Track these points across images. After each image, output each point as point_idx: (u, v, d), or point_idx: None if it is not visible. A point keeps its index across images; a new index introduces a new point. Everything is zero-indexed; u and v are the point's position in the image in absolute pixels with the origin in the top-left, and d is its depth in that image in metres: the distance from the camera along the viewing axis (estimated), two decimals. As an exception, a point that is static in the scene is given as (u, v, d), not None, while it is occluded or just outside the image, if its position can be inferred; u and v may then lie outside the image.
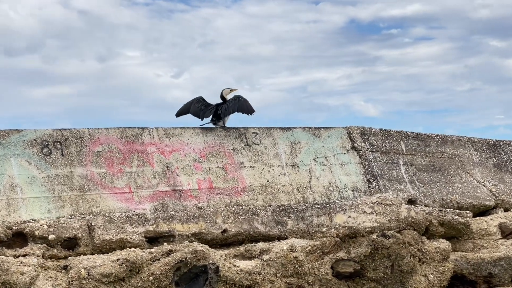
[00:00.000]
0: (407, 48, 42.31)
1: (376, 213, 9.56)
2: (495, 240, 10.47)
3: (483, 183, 11.07)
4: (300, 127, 10.31)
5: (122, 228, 8.68)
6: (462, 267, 9.86)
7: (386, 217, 9.59)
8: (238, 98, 9.81)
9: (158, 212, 9.01)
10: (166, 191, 9.31)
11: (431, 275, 9.58)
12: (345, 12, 41.65)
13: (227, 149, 9.72)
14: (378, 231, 9.41)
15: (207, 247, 8.67)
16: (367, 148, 10.50)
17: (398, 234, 9.28)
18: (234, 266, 8.67)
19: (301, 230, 9.31)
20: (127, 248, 8.54)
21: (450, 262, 9.79)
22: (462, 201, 10.68)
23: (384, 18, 41.92)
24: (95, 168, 9.06)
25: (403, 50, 42.14)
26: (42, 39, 40.12)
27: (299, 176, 10.03)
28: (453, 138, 11.41)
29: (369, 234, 9.39)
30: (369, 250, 9.12)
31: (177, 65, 42.72)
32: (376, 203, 9.63)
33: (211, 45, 42.35)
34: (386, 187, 10.33)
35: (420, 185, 10.56)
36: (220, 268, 8.51)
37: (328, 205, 9.57)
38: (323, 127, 10.48)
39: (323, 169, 10.18)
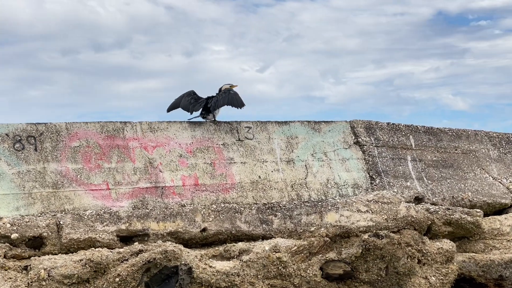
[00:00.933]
0: (497, 40, 39.61)
1: (372, 212, 8.72)
2: (508, 240, 9.46)
3: (499, 180, 9.84)
4: (299, 121, 9.36)
5: (92, 226, 7.99)
6: (470, 269, 8.87)
7: (383, 216, 8.73)
8: (228, 91, 8.98)
9: (132, 210, 8.27)
10: (147, 188, 8.46)
11: (432, 277, 8.64)
12: (433, 4, 39.52)
13: (217, 144, 8.78)
14: (374, 231, 8.55)
15: (181, 247, 7.94)
16: (372, 143, 9.41)
17: (392, 234, 8.43)
18: (210, 267, 7.92)
19: (288, 229, 8.49)
20: (93, 248, 7.90)
21: (455, 263, 8.82)
22: (475, 199, 9.51)
23: (473, 9, 39.61)
24: (70, 164, 8.30)
25: (493, 42, 39.47)
26: (130, 35, 39.81)
27: (294, 172, 9.02)
28: (469, 133, 10.20)
29: (364, 233, 8.56)
30: (360, 250, 8.30)
31: (263, 59, 41.29)
32: (372, 201, 8.80)
33: (296, 39, 40.82)
34: (391, 184, 9.21)
35: (429, 182, 9.40)
36: (193, 269, 7.78)
37: (319, 203, 8.76)
38: (324, 121, 9.48)
39: (322, 165, 9.13)
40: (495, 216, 9.77)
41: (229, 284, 7.97)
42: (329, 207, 8.68)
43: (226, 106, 9.18)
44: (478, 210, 9.34)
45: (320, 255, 8.36)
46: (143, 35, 40.72)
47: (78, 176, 8.41)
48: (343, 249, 8.37)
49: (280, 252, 8.07)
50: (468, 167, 10.04)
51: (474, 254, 9.28)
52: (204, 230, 8.24)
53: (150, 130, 8.82)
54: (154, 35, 40.32)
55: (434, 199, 9.48)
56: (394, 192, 9.36)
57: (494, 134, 10.61)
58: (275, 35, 41.49)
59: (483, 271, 9.07)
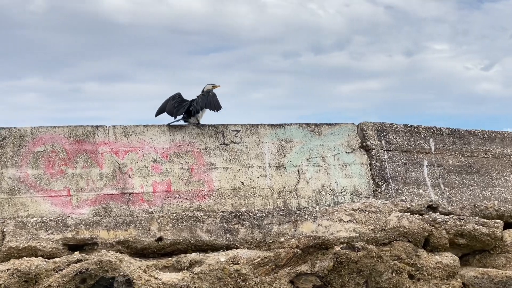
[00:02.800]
0: None
1: (356, 222, 7.25)
2: None
3: None
4: (296, 124, 7.86)
5: (35, 234, 7.06)
6: (483, 285, 7.32)
7: (369, 226, 7.24)
8: (208, 92, 7.69)
9: (81, 218, 6.94)
10: (112, 194, 7.21)
11: None
12: None
13: (197, 149, 7.40)
14: (358, 242, 7.08)
15: (123, 257, 6.88)
16: (382, 147, 7.67)
17: (370, 246, 6.98)
18: (156, 278, 6.76)
19: (256, 239, 7.17)
20: (24, 258, 6.89)
21: (460, 279, 7.25)
22: (502, 208, 7.68)
23: None
24: (31, 169, 7.29)
25: None
26: (349, 36, 38.50)
27: (284, 178, 7.44)
28: (505, 135, 8.21)
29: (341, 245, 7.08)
30: (332, 263, 6.88)
31: (488, 57, 38.05)
32: (358, 210, 7.33)
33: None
34: (399, 191, 7.44)
35: (447, 189, 7.55)
36: (134, 281, 6.66)
37: (295, 212, 7.36)
38: (326, 124, 7.90)
39: (317, 170, 7.50)
40: None
41: None
42: (306, 216, 7.29)
43: (205, 109, 7.76)
44: (497, 220, 7.60)
45: (289, 268, 7.00)
46: (362, 36, 38.82)
47: (38, 182, 7.37)
48: (317, 262, 6.72)
49: (239, 264, 6.81)
50: (498, 172, 7.97)
51: (488, 269, 7.44)
52: (160, 239, 7.11)
53: (124, 134, 7.60)
54: (374, 35, 38.41)
55: (450, 208, 7.60)
56: (402, 200, 7.44)
57: (535, 137, 8.38)
58: (501, 31, 37.92)
59: None
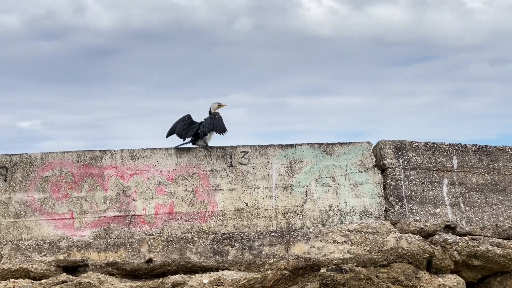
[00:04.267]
0: None
1: (351, 243, 6.73)
2: None
3: None
4: (307, 144, 7.33)
5: (29, 256, 7.01)
6: None
7: (365, 248, 6.68)
8: (214, 116, 7.30)
9: (72, 240, 6.61)
10: (114, 216, 7.00)
11: None
12: None
13: (203, 171, 7.02)
14: (354, 264, 6.52)
15: (107, 278, 6.68)
16: (399, 165, 7.00)
17: (359, 268, 6.42)
18: None
19: (246, 261, 6.77)
20: (12, 280, 6.81)
21: None
22: None
23: None
24: (38, 193, 7.22)
25: None
26: None
27: (290, 199, 6.91)
28: None
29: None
30: (318, 286, 6.38)
31: None
32: (354, 231, 6.81)
33: None
34: (414, 211, 6.74)
35: (467, 208, 6.77)
36: None
37: (288, 233, 6.93)
38: (340, 143, 7.28)
39: (326, 190, 6.92)
40: None
41: None
42: (299, 237, 6.85)
43: (212, 132, 7.45)
44: None
45: None
46: None
47: (43, 206, 7.26)
48: (308, 283, 6.24)
49: (223, 285, 6.46)
50: (527, 190, 6.96)
51: None
52: (150, 261, 6.84)
53: (131, 158, 7.36)
54: None
55: (468, 228, 6.83)
56: (416, 220, 6.69)
57: None
58: None
59: None
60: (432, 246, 6.54)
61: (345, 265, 6.32)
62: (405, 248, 6.51)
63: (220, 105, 7.73)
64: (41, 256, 6.83)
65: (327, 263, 6.41)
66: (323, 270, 6.28)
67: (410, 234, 6.70)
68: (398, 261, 6.47)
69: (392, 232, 6.65)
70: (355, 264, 6.42)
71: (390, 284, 6.28)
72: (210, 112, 7.69)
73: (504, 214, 7.03)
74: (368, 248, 6.52)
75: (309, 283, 6.30)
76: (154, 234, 7.03)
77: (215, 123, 7.50)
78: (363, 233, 6.64)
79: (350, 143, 7.55)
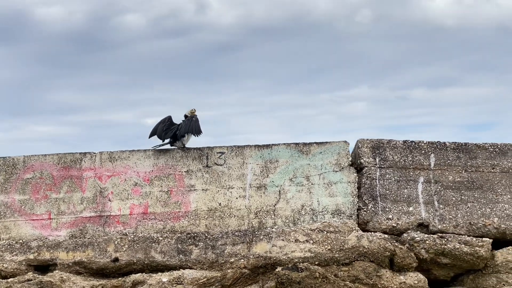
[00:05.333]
0: None
1: (313, 242, 6.54)
2: None
3: None
4: (284, 144, 7.12)
5: (0, 256, 7.02)
6: None
7: (326, 246, 6.50)
8: (191, 118, 7.12)
9: (42, 240, 6.50)
10: (90, 217, 6.91)
11: None
12: None
13: (179, 172, 6.91)
14: (316, 262, 6.37)
15: (70, 277, 6.60)
16: (375, 164, 6.78)
17: (315, 267, 6.23)
18: None
19: (209, 260, 6.67)
20: None
21: None
22: (503, 225, 6.44)
23: None
24: (18, 195, 7.24)
25: None
26: None
27: (263, 198, 6.74)
28: None
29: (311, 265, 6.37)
30: (274, 284, 6.23)
31: None
32: (316, 230, 6.63)
33: None
34: (387, 209, 6.50)
35: (441, 206, 6.50)
36: None
37: (251, 233, 6.79)
38: (316, 142, 7.09)
39: (300, 190, 6.71)
40: None
41: None
42: (261, 237, 6.70)
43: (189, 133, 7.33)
44: (484, 239, 6.55)
45: None
46: None
47: (22, 207, 7.24)
48: (268, 282, 6.08)
49: (182, 284, 6.33)
50: (505, 188, 6.78)
51: None
52: (116, 260, 6.80)
53: (110, 160, 7.30)
54: None
55: (441, 226, 6.56)
56: (388, 218, 6.44)
57: (558, 149, 6.97)
58: None
59: None
60: (395, 244, 6.27)
61: (300, 264, 6.10)
62: (366, 247, 6.26)
63: (192, 112, 7.60)
64: (12, 256, 6.84)
65: (288, 262, 6.21)
66: (278, 269, 6.09)
67: (372, 233, 6.45)
68: (360, 259, 6.24)
69: (354, 231, 6.42)
70: (316, 262, 6.20)
71: (348, 282, 6.04)
72: (185, 116, 7.56)
73: (479, 212, 6.70)
74: (329, 247, 6.31)
75: (269, 282, 6.11)
76: (127, 234, 6.92)
77: (192, 125, 7.38)
78: (325, 232, 6.43)
79: (327, 142, 7.32)
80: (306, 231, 6.47)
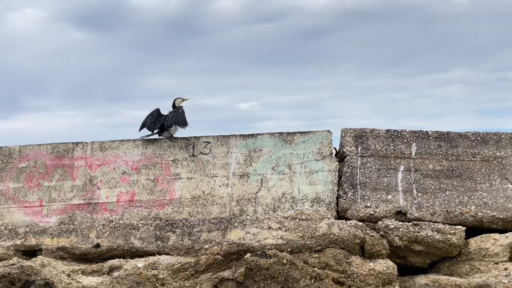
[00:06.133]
0: None
1: (285, 229, 6.47)
2: (495, 262, 6.23)
3: None
4: (268, 133, 7.12)
5: None
6: None
7: (298, 234, 6.42)
8: (178, 109, 7.24)
9: (28, 227, 6.68)
10: (79, 204, 7.02)
11: None
12: None
13: (166, 160, 6.97)
14: (288, 249, 6.33)
15: (51, 261, 6.66)
16: (357, 153, 6.72)
17: (283, 254, 6.18)
18: (77, 282, 6.48)
19: (185, 246, 6.65)
20: None
21: (397, 287, 6.16)
22: (480, 213, 6.37)
23: None
24: (12, 183, 7.36)
25: None
26: None
27: (245, 187, 6.78)
28: (501, 136, 6.80)
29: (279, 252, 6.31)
30: (244, 270, 6.19)
31: None
32: (289, 218, 6.55)
33: None
34: (366, 197, 6.45)
35: (419, 194, 6.40)
36: (55, 284, 6.42)
37: (226, 220, 6.74)
38: (300, 132, 7.07)
39: (281, 178, 6.71)
40: (491, 234, 6.46)
41: None
42: (236, 224, 6.65)
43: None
44: (458, 227, 6.39)
45: (211, 273, 6.34)
46: None
47: (16, 194, 7.38)
48: (239, 268, 5.97)
49: (157, 269, 6.31)
50: (484, 176, 6.61)
51: (440, 277, 6.26)
52: (97, 245, 6.84)
53: (100, 149, 7.38)
54: None
55: (418, 214, 6.46)
56: (367, 206, 6.40)
57: (541, 137, 6.82)
58: None
59: None
60: (365, 232, 6.19)
61: (269, 250, 6.07)
62: (336, 234, 6.19)
63: (183, 100, 7.63)
64: (1, 241, 6.96)
65: (260, 248, 6.18)
66: (248, 255, 6.07)
67: (343, 220, 6.38)
68: (331, 246, 6.17)
69: (325, 219, 6.35)
70: (289, 249, 6.15)
71: (317, 268, 5.99)
72: (174, 106, 7.58)
73: (457, 200, 6.58)
74: (301, 234, 6.25)
75: (241, 268, 6.08)
76: (114, 220, 6.99)
77: (178, 117, 7.40)
78: (297, 220, 6.38)
79: (310, 132, 7.28)
80: (279, 218, 6.44)
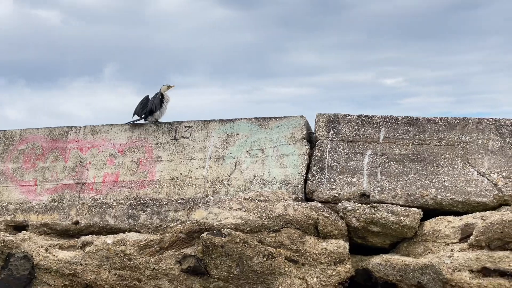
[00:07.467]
0: None
1: (245, 210, 6.51)
2: (446, 244, 6.11)
3: (487, 175, 6.28)
4: (246, 118, 7.22)
5: None
6: (387, 273, 6.09)
7: (256, 214, 6.47)
8: (155, 95, 7.50)
9: (18, 204, 7.10)
10: (69, 184, 7.28)
11: (314, 278, 6.10)
12: None
13: (149, 144, 7.17)
14: (247, 228, 6.41)
15: (32, 236, 6.98)
16: (328, 137, 6.72)
17: (236, 232, 6.28)
18: (53, 255, 6.73)
19: (154, 224, 6.79)
20: None
21: (348, 265, 6.18)
22: (439, 196, 6.30)
23: None
24: (12, 164, 7.68)
25: None
26: None
27: (220, 169, 6.87)
28: (469, 122, 6.69)
29: (234, 230, 6.41)
30: (201, 247, 6.33)
31: None
32: (249, 199, 6.60)
33: None
34: (332, 180, 6.51)
35: (383, 178, 6.40)
36: (33, 257, 6.72)
37: (192, 200, 6.84)
38: (275, 117, 7.15)
39: (254, 161, 6.83)
40: (446, 217, 6.34)
41: (73, 271, 6.65)
42: (200, 204, 6.73)
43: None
44: (411, 209, 6.33)
45: (174, 250, 6.47)
46: None
47: (14, 174, 7.66)
48: (200, 246, 6.09)
49: (125, 245, 6.48)
50: (447, 160, 6.52)
51: (392, 257, 6.21)
52: (77, 222, 7.05)
53: (92, 133, 7.60)
54: None
55: (379, 196, 6.42)
56: (332, 188, 6.45)
57: (507, 122, 6.76)
58: None
59: (401, 275, 6.09)
60: (319, 213, 6.18)
61: (224, 229, 6.15)
62: (291, 215, 6.20)
63: (169, 87, 7.74)
64: (-6, 217, 7.26)
65: (221, 227, 6.26)
66: (204, 234, 6.16)
67: (299, 202, 6.38)
68: (287, 226, 6.19)
69: (282, 201, 6.36)
70: (248, 228, 6.21)
71: (270, 247, 6.04)
72: (160, 93, 7.70)
73: (418, 183, 6.49)
74: (259, 215, 6.29)
75: (200, 245, 6.20)
76: (98, 199, 7.20)
77: (154, 103, 7.54)
78: (256, 201, 6.41)
79: (285, 117, 7.28)
80: (240, 200, 6.49)
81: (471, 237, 5.79)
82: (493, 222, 5.67)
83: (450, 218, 6.14)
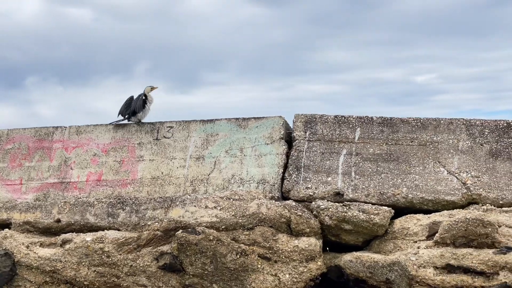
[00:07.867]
0: None
1: (220, 208, 6.60)
2: (414, 241, 6.21)
3: (456, 174, 6.33)
4: (226, 119, 7.30)
5: None
6: (358, 269, 6.18)
7: (231, 212, 6.55)
8: (138, 96, 7.50)
9: (2, 202, 7.26)
10: (53, 183, 7.38)
11: (286, 275, 6.20)
12: None
13: (132, 144, 7.28)
14: (222, 226, 6.49)
15: (14, 234, 7.08)
16: (305, 137, 6.82)
17: (210, 230, 6.37)
18: (34, 253, 6.84)
19: (133, 222, 6.87)
20: None
21: (320, 262, 6.28)
22: (410, 195, 6.38)
23: None
24: None
25: None
26: None
27: (200, 168, 6.97)
28: (441, 122, 6.80)
29: (209, 228, 6.50)
30: (176, 245, 6.40)
31: None
32: (224, 198, 6.69)
33: None
34: (308, 179, 6.62)
35: (357, 177, 6.49)
36: (15, 254, 6.83)
37: (170, 199, 6.91)
38: (254, 117, 7.25)
39: (233, 161, 6.91)
40: (415, 215, 6.45)
41: (53, 268, 6.76)
42: (177, 203, 6.81)
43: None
44: (382, 208, 6.42)
45: (151, 247, 6.56)
46: None
47: (0, 173, 7.82)
48: (175, 243, 6.14)
49: (103, 243, 6.58)
50: (419, 160, 6.61)
51: (362, 254, 6.30)
52: (58, 221, 7.13)
53: (77, 133, 7.70)
54: None
55: (353, 195, 6.49)
56: (307, 187, 6.57)
57: (477, 122, 6.83)
58: None
59: (370, 272, 6.17)
60: (292, 211, 6.28)
61: (198, 227, 6.25)
62: (264, 213, 6.30)
63: (152, 88, 7.84)
64: (-22, 216, 7.36)
65: (197, 225, 6.36)
66: (179, 231, 6.26)
67: (272, 201, 6.47)
68: (260, 225, 6.29)
69: (256, 199, 6.46)
70: (223, 226, 6.31)
71: (243, 245, 6.14)
72: (144, 94, 7.80)
73: (390, 182, 6.59)
74: (233, 213, 6.38)
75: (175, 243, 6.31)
76: (81, 198, 7.30)
77: (136, 104, 7.64)
78: (231, 200, 6.50)
79: (263, 117, 7.37)
80: (216, 198, 6.58)
81: (437, 234, 5.89)
82: (457, 220, 5.77)
83: (419, 216, 6.25)
